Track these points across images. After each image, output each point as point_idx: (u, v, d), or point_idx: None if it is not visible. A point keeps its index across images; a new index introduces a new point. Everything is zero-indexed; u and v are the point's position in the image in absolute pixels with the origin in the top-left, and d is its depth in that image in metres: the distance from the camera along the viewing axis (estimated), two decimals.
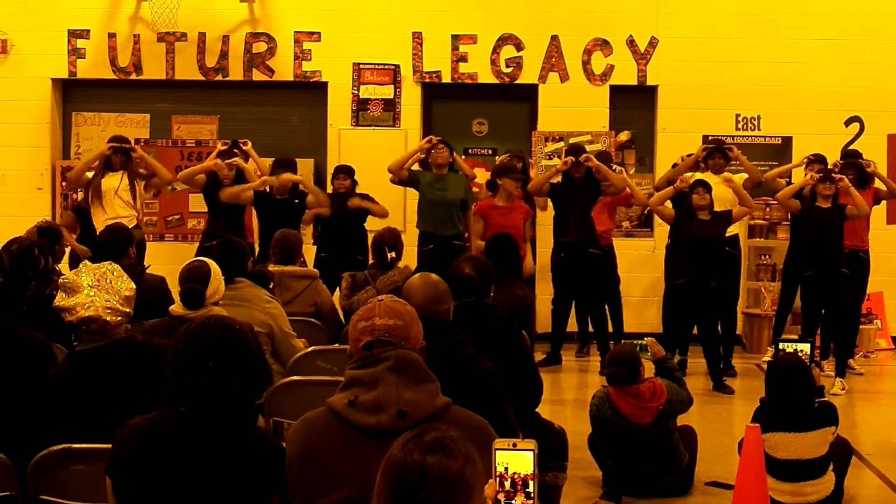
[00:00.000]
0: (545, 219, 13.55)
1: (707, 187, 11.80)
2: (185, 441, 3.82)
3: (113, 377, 4.95)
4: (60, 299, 5.10)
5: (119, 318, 5.07)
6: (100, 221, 11.73)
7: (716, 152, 12.69)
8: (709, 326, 11.88)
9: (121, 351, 5.04)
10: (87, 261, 5.46)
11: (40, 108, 14.82)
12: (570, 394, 11.79)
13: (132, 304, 5.19)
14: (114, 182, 12.09)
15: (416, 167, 12.98)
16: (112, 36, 14.77)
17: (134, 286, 5.25)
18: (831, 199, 11.71)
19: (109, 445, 3.93)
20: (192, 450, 3.81)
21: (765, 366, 11.01)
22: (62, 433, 4.77)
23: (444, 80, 14.71)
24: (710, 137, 14.23)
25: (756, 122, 14.55)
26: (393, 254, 9.50)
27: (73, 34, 14.73)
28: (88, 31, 14.75)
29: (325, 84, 14.73)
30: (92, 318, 5.02)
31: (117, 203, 12.01)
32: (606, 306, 13.04)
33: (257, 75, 14.76)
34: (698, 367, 12.38)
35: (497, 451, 3.21)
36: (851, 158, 12.80)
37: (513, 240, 9.02)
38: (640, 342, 8.29)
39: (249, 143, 12.81)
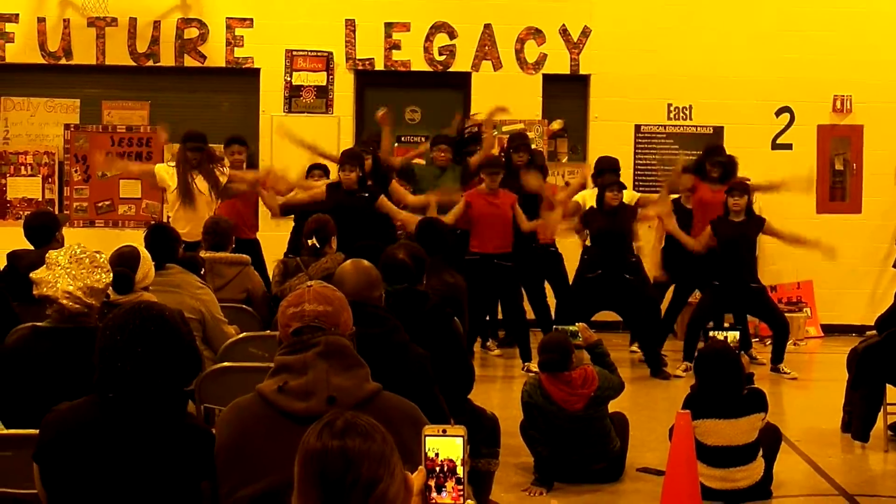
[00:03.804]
0: None
1: (622, 186, 11.93)
2: (112, 427, 3.79)
3: (68, 361, 4.88)
4: (37, 271, 5.10)
5: (77, 307, 5.00)
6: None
7: (606, 173, 12.45)
8: (640, 315, 12.02)
9: (82, 338, 4.94)
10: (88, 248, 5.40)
11: None
12: (499, 381, 11.83)
13: (99, 297, 5.13)
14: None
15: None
16: (41, 20, 14.56)
17: (108, 280, 5.20)
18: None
19: (37, 431, 3.89)
20: (119, 436, 3.78)
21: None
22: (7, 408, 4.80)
23: (377, 68, 14.66)
24: (641, 127, 14.35)
25: (688, 112, 14.62)
26: (313, 240, 9.19)
27: (2, 18, 14.50)
28: (17, 15, 14.54)
29: (257, 70, 14.63)
30: (50, 298, 4.99)
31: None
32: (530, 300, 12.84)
33: (189, 61, 14.62)
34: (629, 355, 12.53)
35: (427, 438, 3.20)
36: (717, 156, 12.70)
37: (440, 225, 8.98)
38: (571, 328, 8.32)
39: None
